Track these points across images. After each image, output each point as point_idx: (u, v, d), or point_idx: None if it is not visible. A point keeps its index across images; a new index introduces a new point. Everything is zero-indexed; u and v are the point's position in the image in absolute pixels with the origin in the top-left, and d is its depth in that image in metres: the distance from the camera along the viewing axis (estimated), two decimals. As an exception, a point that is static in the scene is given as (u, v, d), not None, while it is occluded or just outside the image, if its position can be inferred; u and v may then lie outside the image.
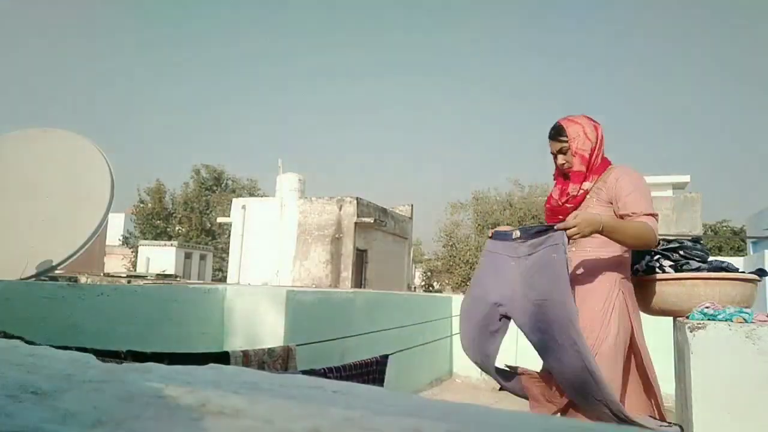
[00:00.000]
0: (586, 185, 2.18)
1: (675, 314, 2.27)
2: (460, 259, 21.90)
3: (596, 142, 2.20)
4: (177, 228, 26.35)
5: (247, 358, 2.44)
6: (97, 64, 60.23)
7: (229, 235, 17.21)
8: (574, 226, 1.94)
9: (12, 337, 1.57)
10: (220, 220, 18.84)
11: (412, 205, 18.99)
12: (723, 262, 2.26)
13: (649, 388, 2.14)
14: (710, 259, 2.31)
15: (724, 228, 26.07)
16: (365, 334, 3.98)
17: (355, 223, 14.81)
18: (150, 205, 26.45)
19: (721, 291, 2.11)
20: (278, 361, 2.64)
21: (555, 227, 2.00)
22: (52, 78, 59.71)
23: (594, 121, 2.27)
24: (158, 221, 26.21)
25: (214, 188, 28.06)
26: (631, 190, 2.10)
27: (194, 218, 26.22)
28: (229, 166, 54.52)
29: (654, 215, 2.07)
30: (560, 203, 2.26)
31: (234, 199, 17.30)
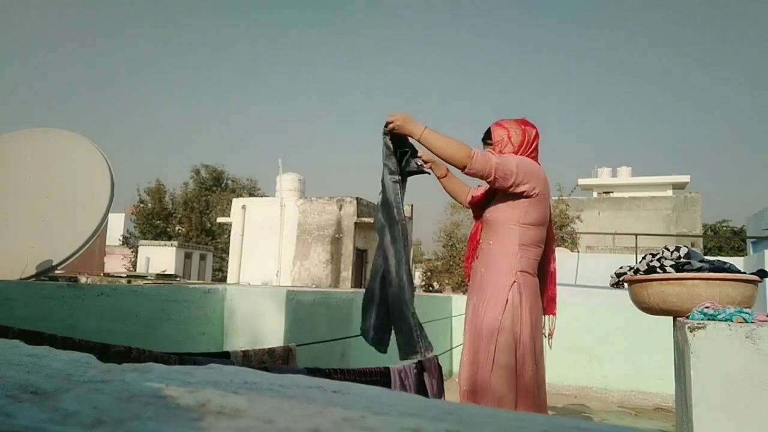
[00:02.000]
0: None
1: (675, 314, 2.26)
2: (460, 259, 21.89)
3: (520, 146, 2.22)
4: (177, 228, 26.32)
5: (247, 358, 2.44)
6: (97, 64, 60.27)
7: (229, 235, 17.20)
8: (392, 121, 2.09)
9: (16, 336, 1.57)
10: (220, 220, 18.83)
11: (412, 205, 18.99)
12: (725, 263, 2.26)
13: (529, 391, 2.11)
14: (711, 259, 2.31)
15: (724, 228, 26.04)
16: (365, 334, 3.97)
17: (355, 223, 14.81)
18: (150, 205, 26.41)
19: (722, 291, 2.11)
20: (278, 361, 2.64)
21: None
22: (51, 78, 59.75)
23: (527, 125, 2.28)
24: (158, 221, 26.18)
25: (214, 188, 28.03)
26: None
27: (194, 218, 26.19)
28: (229, 166, 54.56)
29: (491, 154, 2.14)
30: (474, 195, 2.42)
31: (234, 199, 17.29)
